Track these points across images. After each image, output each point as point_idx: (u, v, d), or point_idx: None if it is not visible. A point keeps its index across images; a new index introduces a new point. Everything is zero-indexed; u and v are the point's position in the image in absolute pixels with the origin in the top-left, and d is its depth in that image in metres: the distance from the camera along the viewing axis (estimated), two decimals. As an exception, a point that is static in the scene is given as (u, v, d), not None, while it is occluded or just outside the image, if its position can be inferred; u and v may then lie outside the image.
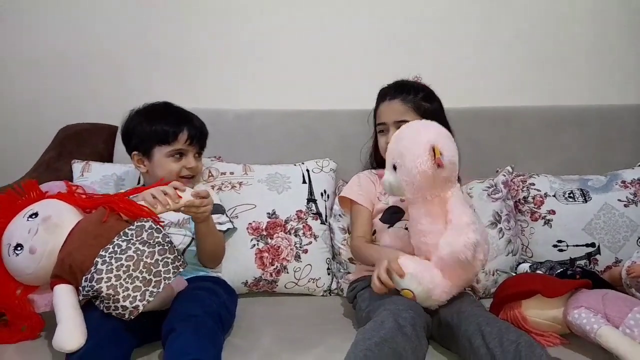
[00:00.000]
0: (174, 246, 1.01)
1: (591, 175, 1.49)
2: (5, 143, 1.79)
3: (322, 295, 1.39)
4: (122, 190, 1.29)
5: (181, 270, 1.00)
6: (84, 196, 1.11)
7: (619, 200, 1.41)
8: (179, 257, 1.01)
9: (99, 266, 0.93)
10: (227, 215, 1.33)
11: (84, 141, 1.57)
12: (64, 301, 0.94)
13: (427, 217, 1.07)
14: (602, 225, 1.38)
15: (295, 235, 1.38)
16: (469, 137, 1.56)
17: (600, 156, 1.58)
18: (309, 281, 1.36)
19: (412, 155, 1.04)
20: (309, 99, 1.69)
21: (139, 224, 0.99)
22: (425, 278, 1.03)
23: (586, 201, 1.41)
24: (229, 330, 1.11)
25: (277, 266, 1.35)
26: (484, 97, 1.70)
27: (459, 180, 1.31)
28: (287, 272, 1.35)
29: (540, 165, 1.54)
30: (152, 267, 0.95)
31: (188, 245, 1.25)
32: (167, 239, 1.00)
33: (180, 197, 1.07)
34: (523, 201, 1.44)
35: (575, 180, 1.47)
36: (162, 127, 1.27)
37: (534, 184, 1.45)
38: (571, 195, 1.42)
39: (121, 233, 0.97)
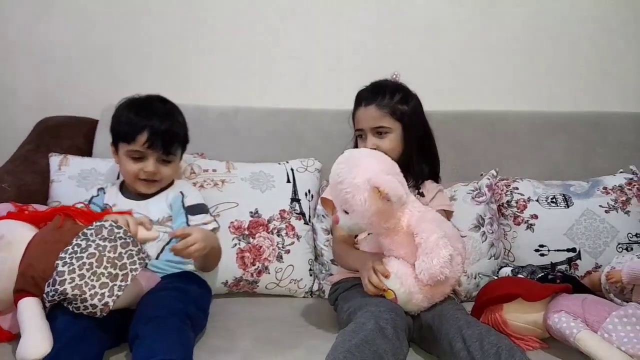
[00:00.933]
0: (136, 241, 0.98)
1: (574, 180, 1.50)
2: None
3: (304, 297, 1.38)
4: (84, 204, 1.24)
5: (147, 262, 0.97)
6: (34, 211, 1.07)
7: (600, 206, 1.42)
8: (143, 250, 0.98)
9: (59, 268, 0.90)
10: (210, 214, 1.30)
11: (63, 134, 1.53)
12: (28, 312, 0.90)
13: (398, 245, 1.06)
14: (583, 231, 1.39)
15: (278, 235, 1.36)
16: (454, 140, 1.58)
17: (584, 162, 1.59)
18: (290, 282, 1.35)
19: (358, 201, 1.01)
20: (294, 97, 1.67)
21: (98, 223, 0.96)
22: (408, 281, 1.03)
23: (568, 206, 1.42)
24: (202, 329, 1.09)
25: (258, 266, 1.33)
26: (470, 101, 1.71)
27: (436, 179, 1.35)
28: (269, 273, 1.34)
29: (524, 169, 1.55)
30: (116, 261, 0.92)
31: (167, 243, 1.22)
32: (129, 234, 0.97)
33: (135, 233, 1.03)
34: (506, 205, 1.44)
35: (558, 185, 1.48)
36: (125, 124, 1.21)
37: (517, 188, 1.46)
38: (554, 200, 1.43)
39: (80, 234, 0.94)
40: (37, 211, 1.08)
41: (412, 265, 1.04)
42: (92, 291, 0.89)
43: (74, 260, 0.90)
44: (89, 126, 1.59)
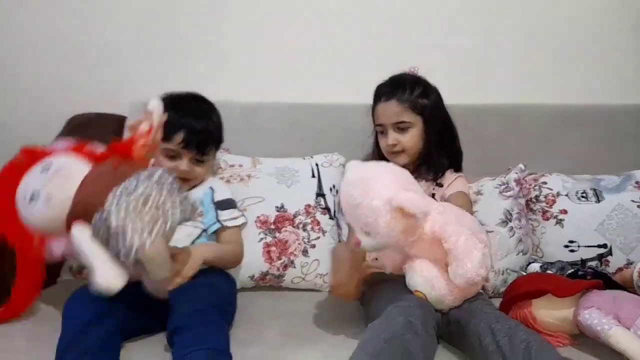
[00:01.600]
0: (182, 191, 1.00)
1: (604, 175, 1.47)
2: (14, 133, 1.79)
3: (329, 291, 1.38)
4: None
5: (189, 216, 0.99)
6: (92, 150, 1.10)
7: (633, 201, 1.38)
8: (187, 201, 1.00)
9: (109, 201, 0.92)
10: (239, 209, 1.32)
11: (93, 131, 1.55)
12: (87, 240, 0.93)
13: (425, 252, 1.04)
14: (614, 226, 1.36)
15: (304, 230, 1.37)
16: (478, 134, 1.56)
17: (613, 156, 1.55)
18: (316, 276, 1.36)
19: (382, 224, 0.97)
20: (317, 92, 1.67)
21: (151, 169, 0.99)
22: (438, 284, 1.02)
23: (599, 201, 1.39)
24: (231, 322, 1.11)
25: (284, 260, 1.34)
26: (494, 94, 1.68)
27: (457, 169, 1.34)
28: (295, 267, 1.35)
29: (550, 163, 1.52)
30: (159, 205, 0.93)
31: (197, 237, 1.24)
32: (177, 185, 1.00)
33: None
34: (535, 200, 1.42)
35: (588, 179, 1.45)
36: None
37: (546, 183, 1.43)
38: (584, 195, 1.40)
39: (133, 175, 0.96)
40: (95, 151, 1.10)
41: (442, 267, 1.03)
42: (134, 226, 0.90)
43: (123, 197, 0.92)
44: (118, 123, 1.61)
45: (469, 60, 1.72)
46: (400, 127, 1.27)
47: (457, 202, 1.20)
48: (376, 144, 1.37)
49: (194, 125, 1.22)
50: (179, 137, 1.20)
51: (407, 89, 1.27)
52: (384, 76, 1.35)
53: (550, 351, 0.88)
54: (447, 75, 1.65)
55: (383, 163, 1.12)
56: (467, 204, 1.28)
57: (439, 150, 1.30)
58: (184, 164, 1.23)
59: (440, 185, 1.30)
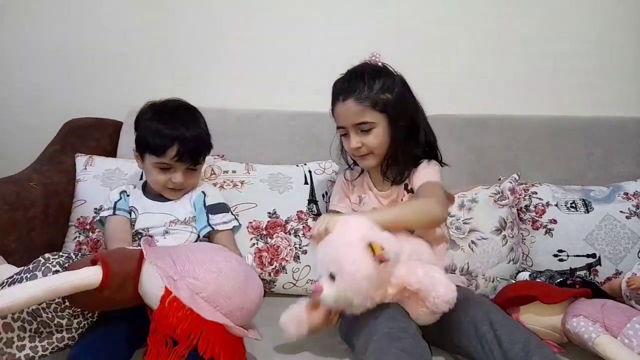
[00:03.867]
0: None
1: (594, 186, 1.48)
2: (9, 136, 1.80)
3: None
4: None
5: None
6: None
7: (621, 211, 1.40)
8: None
9: None
10: (232, 213, 1.33)
11: (88, 135, 1.57)
12: None
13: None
14: (603, 237, 1.38)
15: (295, 236, 1.38)
16: (472, 144, 1.58)
17: (604, 167, 1.57)
18: (307, 282, 1.36)
19: (349, 260, 0.91)
20: (312, 101, 1.68)
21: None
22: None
23: (588, 212, 1.40)
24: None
25: (275, 266, 1.35)
26: (488, 105, 1.70)
27: (433, 158, 1.20)
28: (286, 273, 1.35)
29: (543, 174, 1.54)
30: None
31: (195, 242, 1.25)
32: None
33: None
34: (525, 210, 1.43)
35: (578, 190, 1.47)
36: (154, 137, 1.19)
37: (536, 193, 1.45)
38: (573, 205, 1.42)
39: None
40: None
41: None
42: None
43: None
44: (114, 127, 1.62)
45: (465, 71, 1.74)
46: (363, 129, 1.15)
47: (423, 194, 1.12)
48: (342, 146, 1.26)
49: (186, 136, 1.20)
50: (173, 151, 1.19)
51: (365, 84, 1.13)
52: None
53: (547, 349, 0.88)
54: (444, 85, 1.69)
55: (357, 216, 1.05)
56: (433, 191, 1.12)
57: (408, 145, 1.17)
58: (178, 176, 1.23)
59: (411, 191, 1.19)
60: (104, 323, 0.96)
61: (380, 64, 1.19)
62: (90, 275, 0.85)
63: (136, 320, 0.95)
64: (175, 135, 1.20)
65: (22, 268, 0.92)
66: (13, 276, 0.90)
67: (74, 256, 0.97)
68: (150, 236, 1.22)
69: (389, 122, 1.15)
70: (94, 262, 0.88)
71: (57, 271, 0.90)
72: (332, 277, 0.94)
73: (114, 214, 1.26)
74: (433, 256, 1.07)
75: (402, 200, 1.21)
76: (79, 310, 0.93)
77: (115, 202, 1.28)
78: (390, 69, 1.19)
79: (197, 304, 0.86)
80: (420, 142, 1.19)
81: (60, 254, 0.96)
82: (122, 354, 0.94)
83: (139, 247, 0.95)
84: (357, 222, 0.97)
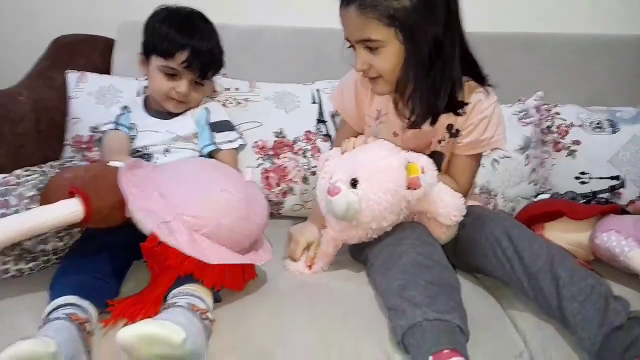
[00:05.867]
0: None
1: (620, 107, 1.40)
2: (-1, 53, 1.70)
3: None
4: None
5: None
6: None
7: (650, 132, 1.32)
8: None
9: None
10: (237, 131, 1.25)
11: (79, 52, 1.46)
12: None
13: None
14: (629, 158, 1.31)
15: (304, 156, 1.30)
16: (493, 63, 1.45)
17: (631, 88, 1.47)
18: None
19: (382, 167, 0.84)
20: (320, 16, 1.56)
21: None
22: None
23: (614, 132, 1.33)
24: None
25: (283, 187, 1.28)
26: (510, 23, 1.58)
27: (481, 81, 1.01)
28: (294, 194, 1.29)
29: (566, 95, 1.43)
30: None
31: None
32: None
33: None
34: (547, 130, 1.35)
35: (604, 111, 1.38)
36: (165, 37, 1.11)
37: (559, 113, 1.36)
38: (599, 125, 1.34)
39: None
40: None
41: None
42: None
43: None
44: (105, 45, 1.51)
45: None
46: (369, 46, 0.90)
47: (460, 169, 1.02)
48: None
49: (199, 46, 1.13)
50: (183, 56, 1.11)
51: None
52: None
53: (572, 260, 0.83)
54: (464, 3, 1.56)
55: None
56: (473, 169, 1.04)
57: (430, 80, 0.91)
58: (183, 85, 1.14)
59: (455, 134, 1.00)
60: (91, 238, 0.88)
61: None
62: (71, 212, 0.76)
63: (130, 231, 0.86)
64: (188, 40, 1.12)
65: None
66: None
67: (48, 169, 0.89)
68: (147, 155, 1.16)
69: (404, 41, 0.87)
70: (71, 194, 0.78)
71: (33, 197, 0.81)
72: (354, 184, 0.85)
73: (115, 128, 1.20)
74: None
75: (439, 142, 1.02)
76: (62, 232, 0.85)
77: (118, 116, 1.22)
78: None
79: (198, 246, 0.77)
80: (450, 73, 0.91)
81: (34, 169, 0.87)
82: (112, 273, 0.84)
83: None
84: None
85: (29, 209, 0.80)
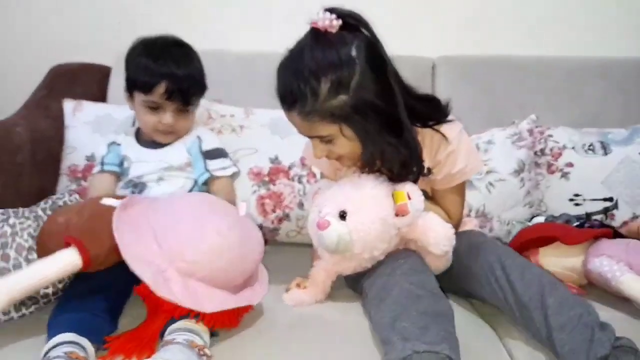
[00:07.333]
0: None
1: (612, 128, 1.41)
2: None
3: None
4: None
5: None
6: None
7: (641, 153, 1.34)
8: None
9: None
10: (230, 159, 1.26)
11: (76, 80, 1.49)
12: None
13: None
14: (621, 179, 1.31)
15: (299, 182, 1.31)
16: (484, 86, 1.49)
17: (623, 110, 1.49)
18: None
19: (368, 197, 0.85)
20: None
21: None
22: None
23: (606, 154, 1.34)
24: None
25: (279, 214, 1.29)
26: (502, 45, 1.60)
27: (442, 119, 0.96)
28: (290, 220, 1.29)
29: (558, 117, 1.45)
30: None
31: (191, 189, 1.18)
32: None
33: None
34: (540, 153, 1.36)
35: (595, 133, 1.40)
36: (142, 73, 1.12)
37: (552, 136, 1.38)
38: (591, 147, 1.35)
39: None
40: None
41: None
42: None
43: None
44: (102, 73, 1.53)
45: (476, 11, 1.63)
46: (323, 140, 0.90)
47: (448, 202, 1.02)
48: None
49: (176, 73, 1.11)
50: (161, 87, 1.10)
51: (307, 92, 0.83)
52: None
53: (563, 289, 0.83)
54: (456, 26, 1.59)
55: None
56: (460, 201, 1.04)
57: (393, 139, 0.88)
58: (167, 116, 1.14)
59: (427, 172, 0.99)
60: (87, 276, 0.86)
61: (334, 24, 0.84)
62: (70, 264, 0.77)
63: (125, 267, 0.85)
64: (163, 71, 1.11)
65: None
66: None
67: (41, 213, 0.89)
68: (141, 184, 1.16)
69: (354, 129, 0.86)
70: (67, 244, 0.78)
71: (30, 248, 0.82)
72: (342, 216, 0.87)
73: (101, 169, 1.20)
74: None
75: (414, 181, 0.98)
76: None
77: (103, 157, 1.21)
78: (347, 35, 0.84)
79: (193, 294, 0.78)
80: (405, 131, 0.88)
81: (27, 215, 0.87)
82: (108, 309, 0.84)
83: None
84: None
85: (29, 259, 0.81)
